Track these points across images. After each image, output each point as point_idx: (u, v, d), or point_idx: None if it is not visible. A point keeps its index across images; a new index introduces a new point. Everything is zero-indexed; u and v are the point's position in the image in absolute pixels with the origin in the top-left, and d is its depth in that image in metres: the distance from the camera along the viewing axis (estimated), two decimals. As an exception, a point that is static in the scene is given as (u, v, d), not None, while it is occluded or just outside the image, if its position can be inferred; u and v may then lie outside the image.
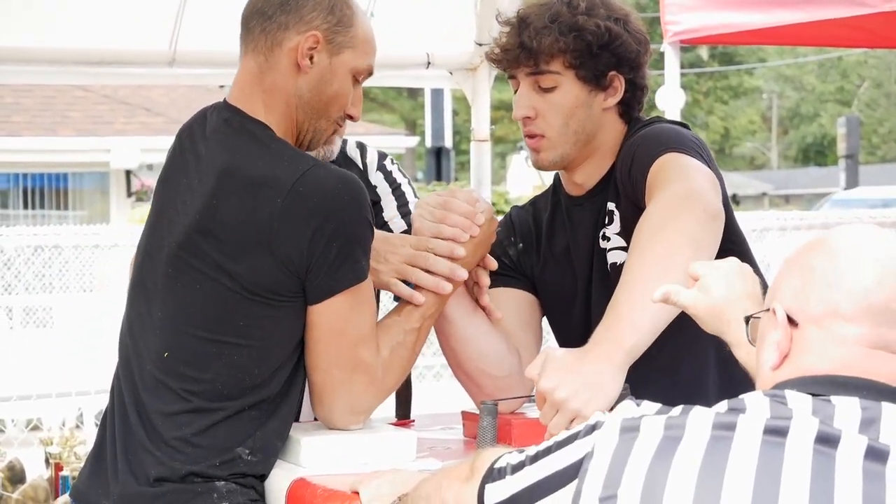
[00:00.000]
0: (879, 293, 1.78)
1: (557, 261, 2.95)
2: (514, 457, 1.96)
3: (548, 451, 1.89)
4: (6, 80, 4.25)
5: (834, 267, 1.81)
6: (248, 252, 2.46)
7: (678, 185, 2.54)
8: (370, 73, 2.67)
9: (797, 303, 1.83)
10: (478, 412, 2.66)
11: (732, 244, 2.74)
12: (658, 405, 1.83)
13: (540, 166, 2.88)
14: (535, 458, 1.91)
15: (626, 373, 2.38)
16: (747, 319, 1.98)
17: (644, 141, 2.74)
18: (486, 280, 2.84)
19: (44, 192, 21.14)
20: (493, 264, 2.85)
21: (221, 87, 2.68)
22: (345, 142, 3.20)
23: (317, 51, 2.58)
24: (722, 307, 2.16)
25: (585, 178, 2.89)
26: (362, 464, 2.55)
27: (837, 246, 1.83)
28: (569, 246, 2.93)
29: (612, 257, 2.82)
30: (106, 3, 4.03)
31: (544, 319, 3.02)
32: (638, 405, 1.83)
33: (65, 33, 4.04)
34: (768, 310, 1.87)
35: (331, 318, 2.52)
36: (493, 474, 1.97)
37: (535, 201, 3.07)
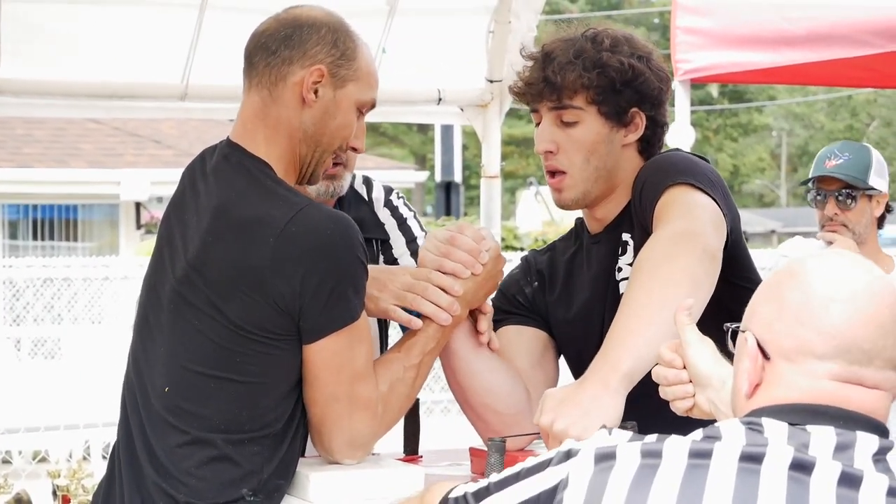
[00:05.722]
0: (849, 333, 1.77)
1: (572, 299, 2.95)
2: (471, 486, 1.93)
3: (516, 478, 1.87)
4: (19, 112, 4.27)
5: (806, 304, 1.79)
6: (240, 291, 2.46)
7: (681, 223, 2.56)
8: (373, 106, 2.68)
9: (769, 334, 1.82)
10: (486, 448, 2.66)
11: (748, 282, 2.74)
12: (629, 433, 1.82)
13: (562, 205, 2.88)
14: (501, 485, 1.88)
15: (626, 398, 2.39)
16: (726, 330, 1.97)
17: (658, 166, 2.75)
18: (483, 325, 2.83)
19: (53, 223, 21.19)
20: (489, 309, 2.84)
21: (231, 120, 2.68)
22: (353, 176, 3.21)
23: (321, 84, 2.58)
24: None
25: (605, 213, 2.90)
26: (370, 499, 2.55)
27: (811, 280, 1.81)
28: (585, 284, 2.93)
29: (624, 288, 2.81)
30: (119, 37, 4.05)
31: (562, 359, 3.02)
32: (609, 433, 1.83)
33: (78, 66, 4.07)
34: (745, 331, 1.87)
35: (326, 357, 2.52)
36: None
37: (554, 245, 3.08)
